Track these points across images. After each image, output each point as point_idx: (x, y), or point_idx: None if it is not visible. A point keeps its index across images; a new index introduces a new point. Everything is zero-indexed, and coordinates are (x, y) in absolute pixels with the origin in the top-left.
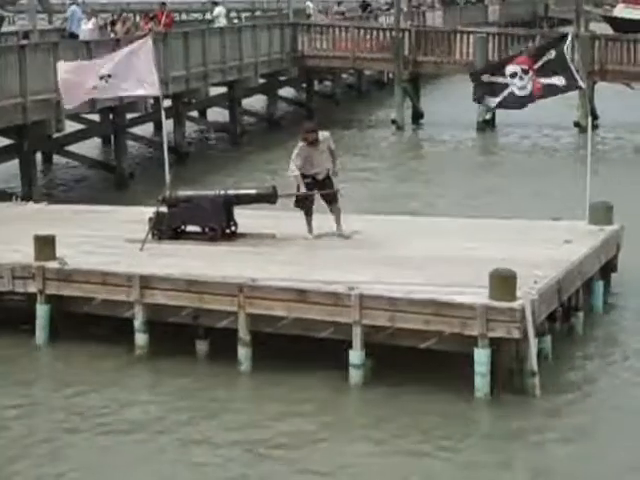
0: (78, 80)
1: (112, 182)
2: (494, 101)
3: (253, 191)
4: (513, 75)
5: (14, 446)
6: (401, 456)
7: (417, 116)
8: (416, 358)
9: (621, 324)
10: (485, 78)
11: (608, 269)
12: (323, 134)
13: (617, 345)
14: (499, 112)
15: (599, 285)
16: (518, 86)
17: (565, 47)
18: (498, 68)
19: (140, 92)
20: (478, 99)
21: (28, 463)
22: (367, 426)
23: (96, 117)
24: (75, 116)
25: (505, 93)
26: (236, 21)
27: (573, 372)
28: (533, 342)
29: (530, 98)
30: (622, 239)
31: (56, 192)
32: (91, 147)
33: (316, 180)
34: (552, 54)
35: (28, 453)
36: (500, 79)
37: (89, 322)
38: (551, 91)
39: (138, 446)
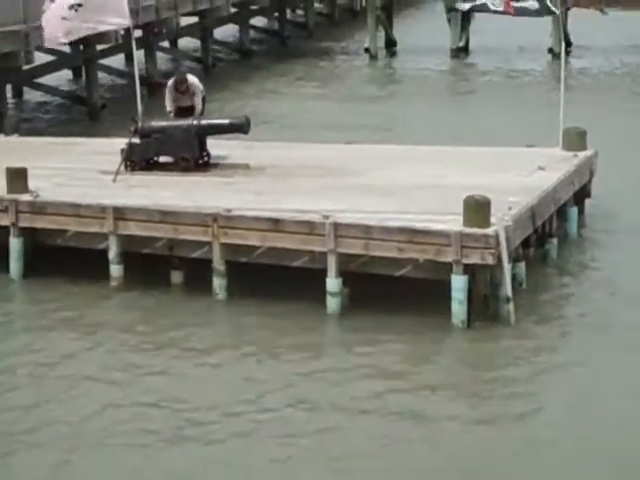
0: (52, 15)
1: (84, 114)
2: (465, 6)
3: (226, 121)
4: None
5: None
6: (378, 379)
7: (390, 44)
8: (392, 286)
9: (595, 249)
10: None
11: (582, 195)
12: None
13: (591, 270)
14: (472, 39)
15: (573, 211)
16: (491, 2)
17: None
18: None
19: (111, 22)
20: (449, 7)
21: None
22: (345, 350)
23: (66, 48)
24: (44, 47)
25: (478, 2)
26: None
27: (547, 298)
28: (507, 268)
29: (501, 12)
30: (595, 165)
31: (27, 125)
32: (62, 79)
33: None
34: None
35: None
36: None
37: (64, 255)
38: (522, 12)
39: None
